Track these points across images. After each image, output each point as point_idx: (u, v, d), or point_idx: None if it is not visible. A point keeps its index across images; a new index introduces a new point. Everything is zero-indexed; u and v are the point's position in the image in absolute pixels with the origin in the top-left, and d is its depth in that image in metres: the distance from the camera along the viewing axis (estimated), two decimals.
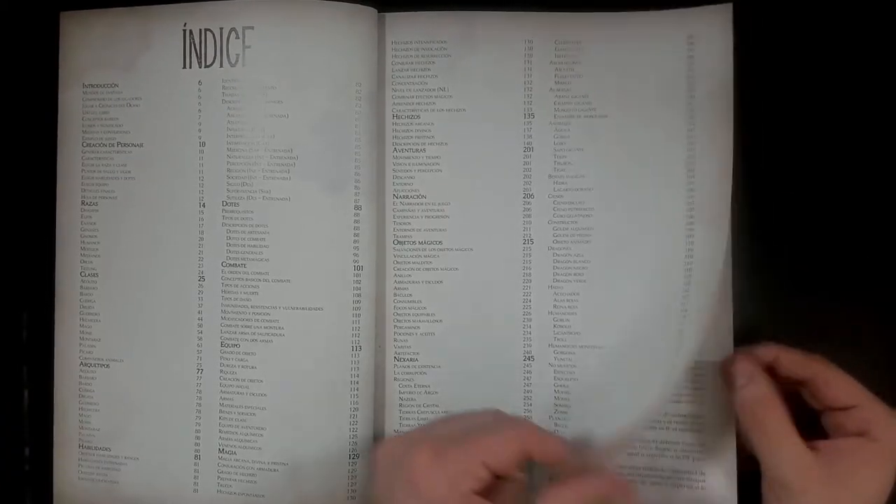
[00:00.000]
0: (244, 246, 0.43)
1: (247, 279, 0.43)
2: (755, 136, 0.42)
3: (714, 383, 0.41)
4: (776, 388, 0.38)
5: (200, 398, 0.44)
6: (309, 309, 0.42)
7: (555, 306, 0.43)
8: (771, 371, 0.39)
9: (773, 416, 0.37)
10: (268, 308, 0.43)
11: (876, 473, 0.36)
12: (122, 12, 0.45)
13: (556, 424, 0.42)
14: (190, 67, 0.44)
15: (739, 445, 0.41)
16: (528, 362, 0.43)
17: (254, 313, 0.43)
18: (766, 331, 0.41)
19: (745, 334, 0.42)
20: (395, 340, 0.44)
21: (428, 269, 0.44)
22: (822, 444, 0.37)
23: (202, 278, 0.44)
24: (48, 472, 0.45)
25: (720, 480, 0.41)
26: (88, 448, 0.45)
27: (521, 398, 0.43)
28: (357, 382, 0.43)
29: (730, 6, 0.41)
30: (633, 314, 0.42)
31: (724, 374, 0.40)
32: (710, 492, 0.41)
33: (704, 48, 0.42)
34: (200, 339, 0.44)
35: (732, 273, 0.41)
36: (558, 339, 0.43)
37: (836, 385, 0.37)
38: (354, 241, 0.43)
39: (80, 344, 0.45)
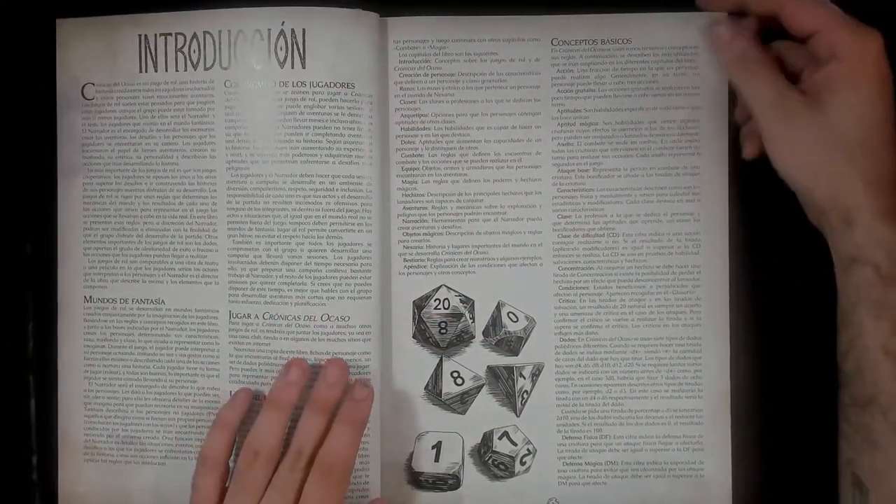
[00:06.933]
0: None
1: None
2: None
3: (713, 377, 0.44)
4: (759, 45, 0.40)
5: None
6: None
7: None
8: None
9: (757, 66, 0.39)
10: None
11: (853, 95, 0.37)
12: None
13: None
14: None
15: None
16: None
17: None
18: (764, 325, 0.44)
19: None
20: None
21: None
22: (800, 86, 0.39)
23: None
24: (55, 480, 0.45)
25: (717, 469, 0.44)
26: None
27: None
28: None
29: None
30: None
31: (709, 39, 0.42)
32: (708, 480, 0.44)
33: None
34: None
35: (731, 274, 0.43)
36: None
37: (800, 10, 0.39)
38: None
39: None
